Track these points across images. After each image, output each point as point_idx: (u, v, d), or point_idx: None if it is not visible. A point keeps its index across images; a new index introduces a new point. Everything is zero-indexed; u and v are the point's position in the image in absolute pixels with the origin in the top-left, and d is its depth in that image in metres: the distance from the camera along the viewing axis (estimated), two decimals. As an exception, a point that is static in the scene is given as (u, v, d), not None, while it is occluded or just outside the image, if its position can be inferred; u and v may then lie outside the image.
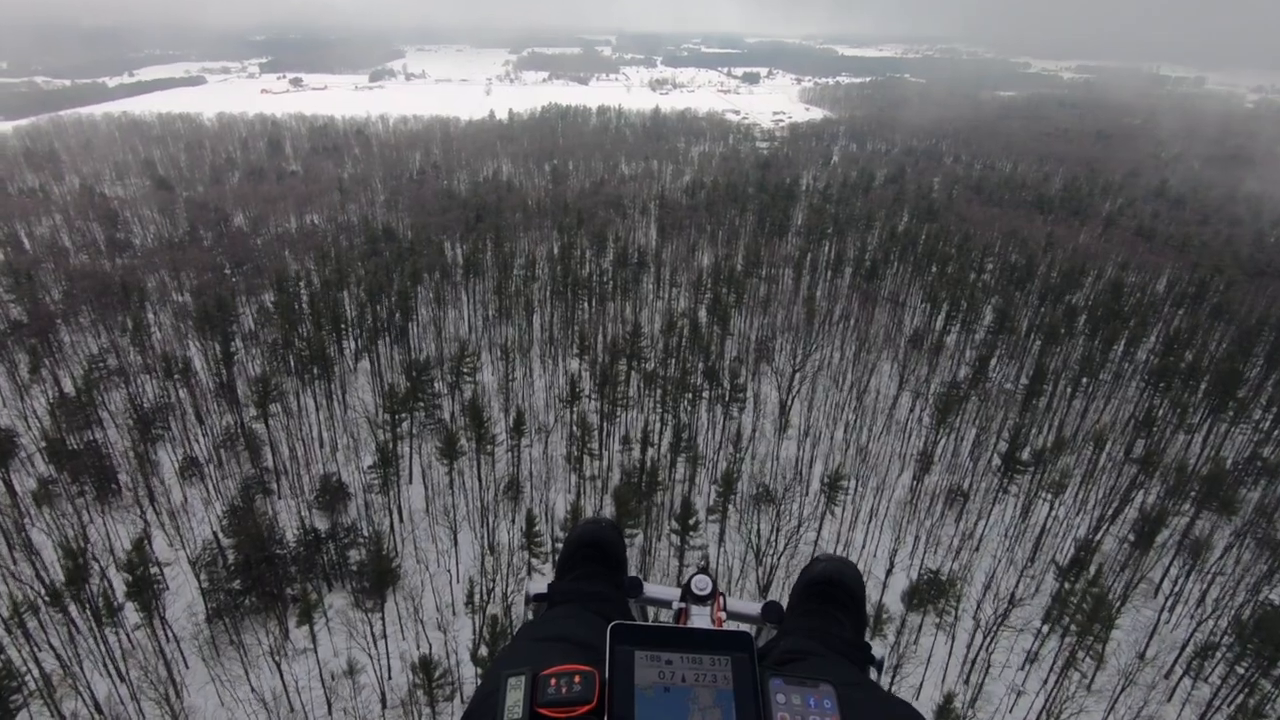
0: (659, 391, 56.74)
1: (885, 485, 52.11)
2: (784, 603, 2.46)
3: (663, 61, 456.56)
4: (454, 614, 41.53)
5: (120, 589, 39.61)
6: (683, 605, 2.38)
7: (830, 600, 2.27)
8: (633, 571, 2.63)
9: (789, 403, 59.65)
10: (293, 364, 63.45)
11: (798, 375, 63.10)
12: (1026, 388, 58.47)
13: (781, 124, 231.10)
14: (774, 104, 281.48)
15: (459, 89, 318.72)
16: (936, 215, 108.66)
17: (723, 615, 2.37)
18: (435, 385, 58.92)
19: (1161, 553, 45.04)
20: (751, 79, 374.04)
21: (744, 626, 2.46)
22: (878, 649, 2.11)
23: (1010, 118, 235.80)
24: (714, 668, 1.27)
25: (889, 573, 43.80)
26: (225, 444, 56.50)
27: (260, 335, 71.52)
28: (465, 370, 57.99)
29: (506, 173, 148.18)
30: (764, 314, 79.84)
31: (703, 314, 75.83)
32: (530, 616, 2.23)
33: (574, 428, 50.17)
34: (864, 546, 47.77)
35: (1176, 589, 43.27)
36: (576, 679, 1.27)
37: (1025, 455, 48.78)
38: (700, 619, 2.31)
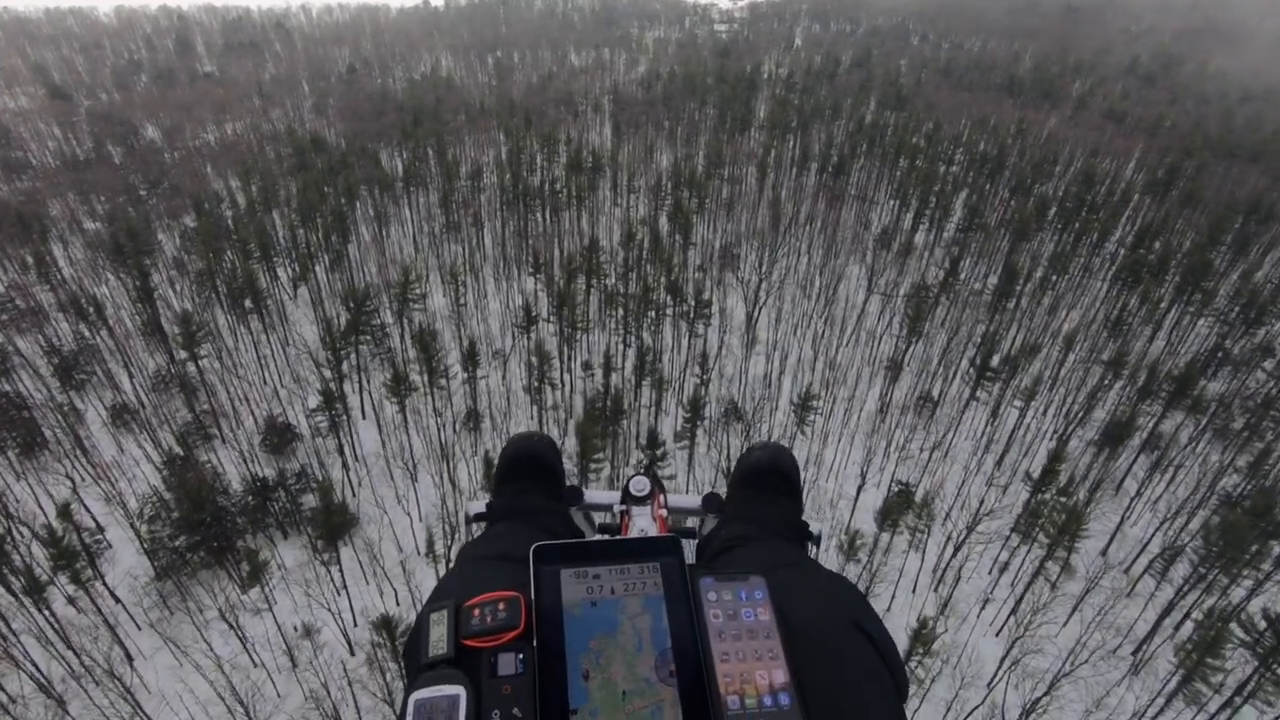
0: (620, 311, 53.76)
1: (855, 398, 51.01)
2: (723, 494, 2.46)
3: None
4: (420, 556, 40.06)
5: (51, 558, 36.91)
6: (623, 508, 2.44)
7: (767, 486, 2.30)
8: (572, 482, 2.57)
9: (756, 315, 57.34)
10: (223, 296, 58.49)
11: (764, 285, 60.52)
12: (996, 288, 56.90)
13: (741, 3, 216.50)
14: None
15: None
16: (904, 103, 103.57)
17: (663, 512, 2.43)
18: (380, 315, 54.96)
19: (1127, 450, 45.26)
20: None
21: (688, 520, 2.60)
22: (814, 526, 2.16)
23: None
24: (643, 575, 1.28)
25: (860, 489, 43.27)
26: (158, 388, 52.52)
27: (186, 265, 65.65)
28: (411, 297, 53.95)
29: (445, 68, 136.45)
30: (728, 218, 76.05)
31: (664, 222, 71.81)
32: (473, 536, 2.14)
33: (531, 357, 47.32)
34: (834, 462, 47.10)
35: (1140, 488, 43.71)
36: (501, 606, 1.27)
37: (995, 361, 47.67)
38: (641, 519, 2.38)
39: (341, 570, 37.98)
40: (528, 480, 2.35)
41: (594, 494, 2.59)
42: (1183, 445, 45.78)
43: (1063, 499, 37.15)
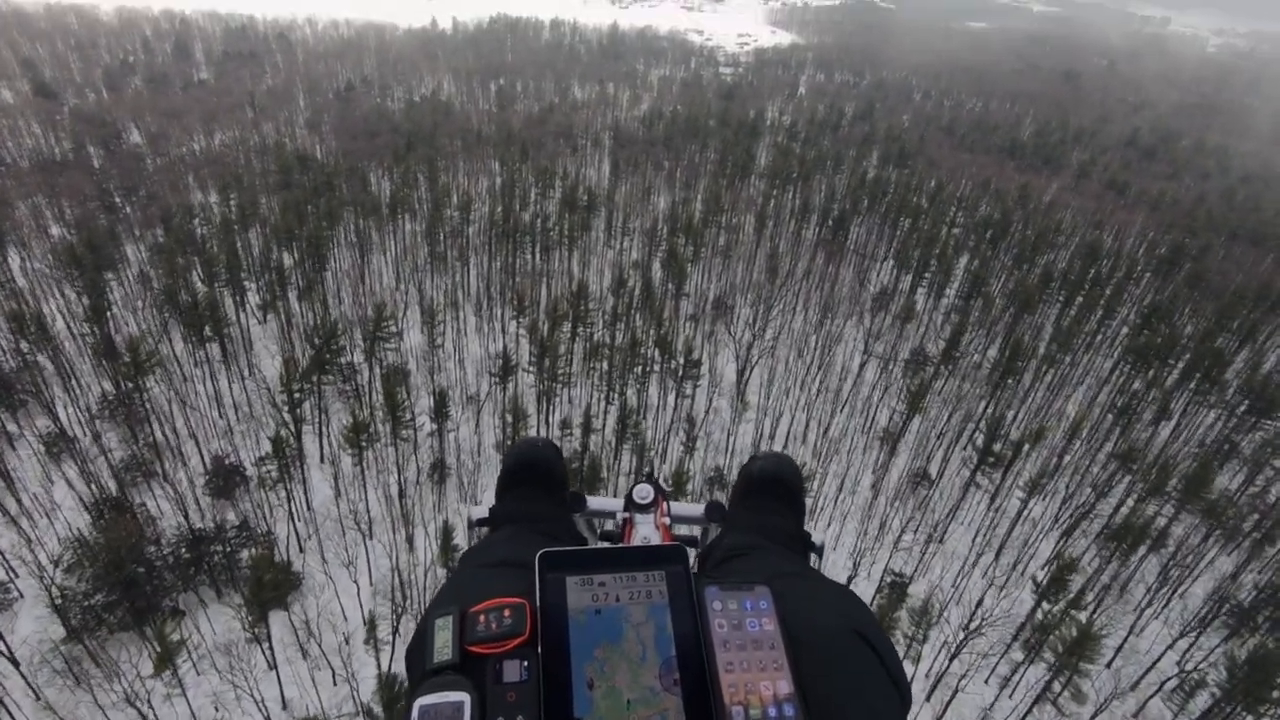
0: (605, 364, 50.64)
1: (850, 473, 47.93)
2: (726, 503, 2.48)
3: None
4: (363, 632, 36.09)
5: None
6: (627, 515, 2.47)
7: (770, 495, 2.31)
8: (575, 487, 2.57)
9: (747, 376, 54.43)
10: (181, 320, 54.80)
11: (757, 343, 57.75)
12: (998, 362, 54.41)
13: (747, 48, 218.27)
14: (740, 25, 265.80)
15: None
16: (907, 159, 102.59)
17: (666, 520, 2.47)
18: (350, 352, 51.50)
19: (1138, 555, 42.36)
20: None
21: (690, 529, 2.60)
22: (818, 536, 2.20)
23: (981, 50, 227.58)
24: (648, 583, 1.28)
25: (850, 579, 39.97)
26: (101, 416, 48.55)
27: (151, 281, 61.98)
28: (384, 335, 50.58)
29: (446, 92, 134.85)
30: (723, 267, 73.65)
31: (657, 268, 69.19)
32: (474, 542, 2.15)
33: (505, 415, 43.96)
34: (825, 545, 43.73)
35: (1148, 594, 40.71)
36: (506, 613, 1.28)
37: (999, 446, 44.86)
38: (645, 526, 2.42)
39: (272, 647, 33.93)
40: (531, 486, 2.31)
41: (598, 501, 2.57)
42: (1194, 546, 42.99)
43: (1073, 612, 34.01)
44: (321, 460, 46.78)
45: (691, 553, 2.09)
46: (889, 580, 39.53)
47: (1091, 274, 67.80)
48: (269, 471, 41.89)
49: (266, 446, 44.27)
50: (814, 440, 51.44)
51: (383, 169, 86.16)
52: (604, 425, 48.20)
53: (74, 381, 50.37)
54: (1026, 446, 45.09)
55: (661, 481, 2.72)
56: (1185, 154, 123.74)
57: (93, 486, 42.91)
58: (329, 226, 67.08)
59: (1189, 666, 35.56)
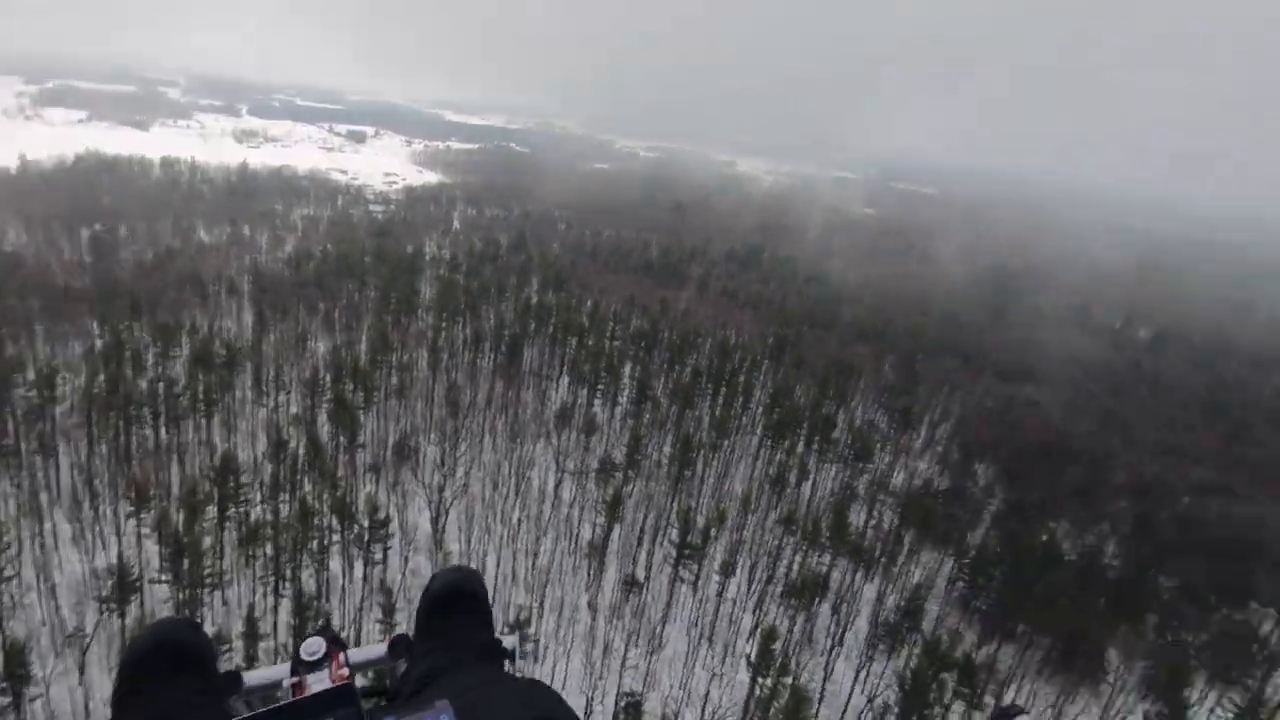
0: (269, 549, 42.57)
1: (566, 604, 46.75)
2: (412, 632, 2.37)
3: (249, 111, 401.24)
4: None
5: None
6: (295, 679, 2.15)
7: (455, 610, 2.26)
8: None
9: (443, 523, 50.77)
10: None
11: (450, 485, 54.67)
12: (676, 457, 59.68)
13: (395, 186, 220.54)
14: (384, 165, 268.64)
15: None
16: (563, 283, 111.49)
17: (344, 672, 2.19)
18: None
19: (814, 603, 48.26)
20: (358, 137, 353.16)
21: (374, 674, 2.23)
22: (508, 641, 2.15)
23: (608, 187, 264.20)
24: None
25: (588, 714, 38.03)
26: None
27: None
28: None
29: (13, 241, 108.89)
30: (401, 408, 69.48)
31: (324, 421, 62.26)
32: None
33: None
34: (554, 681, 41.28)
35: (830, 639, 46.37)
36: None
37: (691, 537, 48.27)
38: (319, 685, 2.09)
39: None
40: (164, 679, 1.94)
41: (258, 674, 2.26)
42: (850, 584, 50.70)
43: (783, 680, 36.77)
44: None
45: (371, 702, 1.89)
46: (623, 704, 38.61)
47: (729, 367, 79.82)
48: None
49: None
50: (524, 574, 49.46)
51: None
52: (275, 625, 39.85)
53: None
54: (713, 531, 49.26)
55: (337, 631, 2.37)
56: (767, 264, 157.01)
57: None
58: None
59: (875, 695, 40.75)
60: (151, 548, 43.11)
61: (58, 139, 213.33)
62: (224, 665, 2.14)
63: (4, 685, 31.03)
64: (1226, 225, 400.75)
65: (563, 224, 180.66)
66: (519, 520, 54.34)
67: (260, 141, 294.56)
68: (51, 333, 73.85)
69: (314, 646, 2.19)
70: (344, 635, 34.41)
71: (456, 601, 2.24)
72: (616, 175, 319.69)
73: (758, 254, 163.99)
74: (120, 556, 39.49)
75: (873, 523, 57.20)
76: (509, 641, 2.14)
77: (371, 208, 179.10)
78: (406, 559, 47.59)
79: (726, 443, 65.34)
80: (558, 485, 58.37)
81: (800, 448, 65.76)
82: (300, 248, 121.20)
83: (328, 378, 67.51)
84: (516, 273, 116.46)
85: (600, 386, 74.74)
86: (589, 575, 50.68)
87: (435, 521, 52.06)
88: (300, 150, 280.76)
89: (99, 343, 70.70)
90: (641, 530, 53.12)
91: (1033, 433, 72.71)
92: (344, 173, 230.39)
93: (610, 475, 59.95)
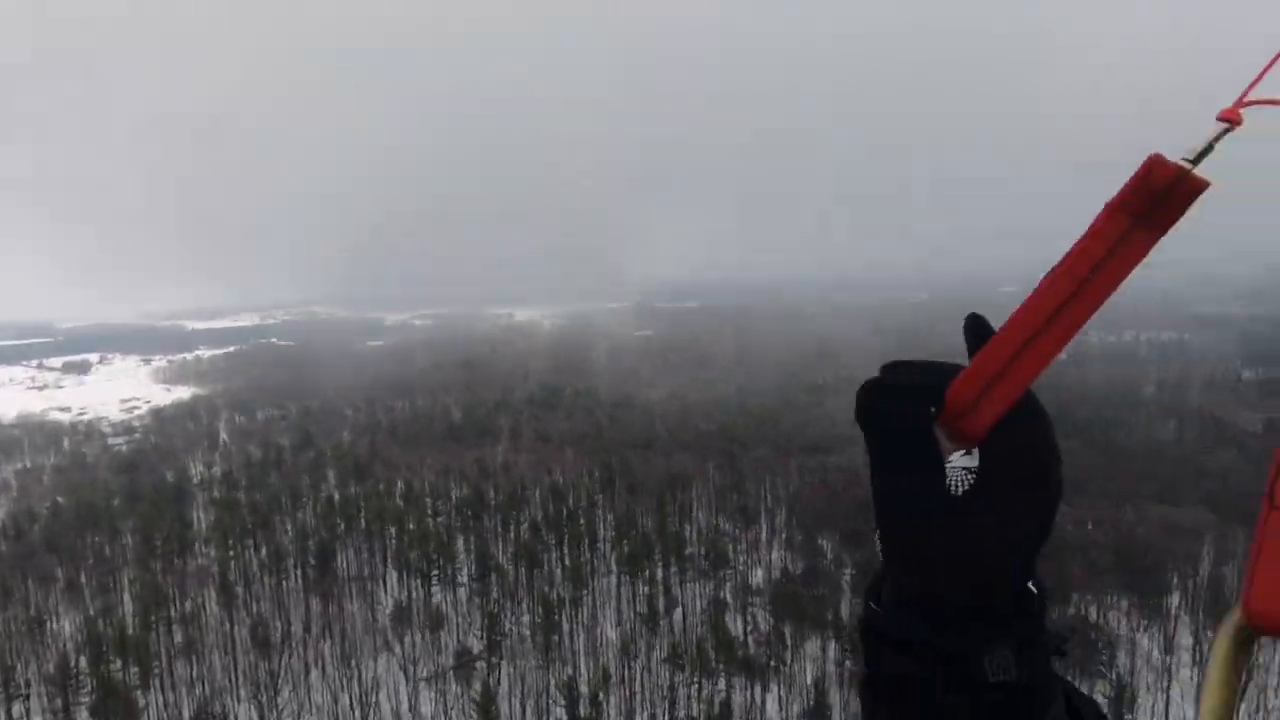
0: None
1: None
2: None
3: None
4: None
5: None
6: None
7: None
8: None
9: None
10: None
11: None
12: (538, 625, 55.25)
13: (138, 411, 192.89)
14: (120, 391, 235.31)
15: None
16: (365, 471, 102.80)
17: None
18: None
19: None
20: (80, 368, 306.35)
21: None
22: None
23: (388, 361, 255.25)
24: None
25: None
26: None
27: None
28: None
29: None
30: (193, 666, 56.85)
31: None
32: None
33: None
34: None
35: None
36: None
37: (581, 709, 43.99)
38: None
39: None
40: None
41: None
42: (758, 705, 49.12)
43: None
44: None
45: None
46: None
47: (564, 511, 77.48)
48: None
49: None
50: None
51: None
52: None
53: None
54: (601, 694, 45.40)
55: None
56: (569, 399, 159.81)
57: None
58: None
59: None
60: None
61: None
62: None
63: None
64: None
65: (349, 409, 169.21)
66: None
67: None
68: None
69: None
70: None
71: None
72: (395, 348, 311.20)
73: (558, 393, 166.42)
74: None
75: (750, 629, 56.86)
76: None
77: (111, 441, 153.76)
78: None
79: (585, 592, 62.18)
80: (415, 698, 50.61)
81: (658, 573, 64.64)
82: (17, 509, 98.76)
83: (83, 662, 53.52)
84: (309, 472, 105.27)
85: (435, 572, 68.06)
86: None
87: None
88: (6, 394, 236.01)
89: None
90: (523, 718, 47.40)
91: (855, 494, 79.10)
92: (66, 410, 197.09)
93: (471, 668, 53.55)
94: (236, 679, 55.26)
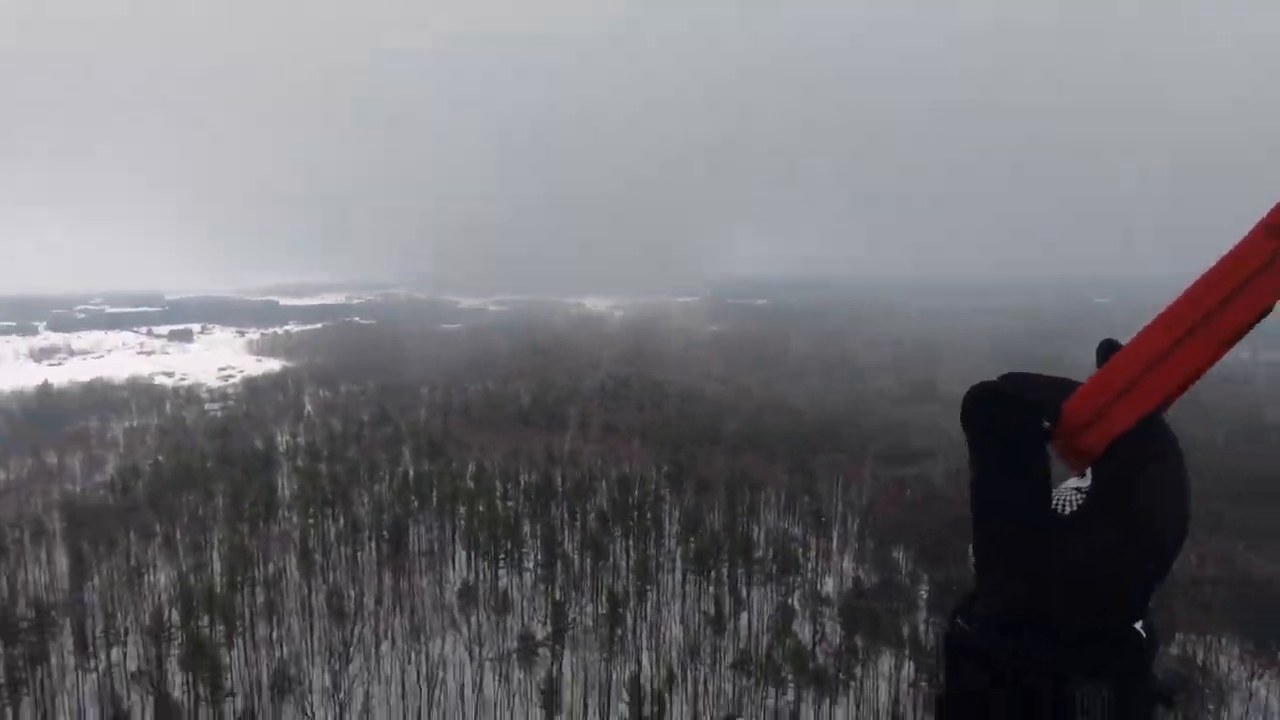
0: None
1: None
2: None
3: (48, 327, 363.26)
4: None
5: None
6: None
7: None
8: None
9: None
10: None
11: (348, 717, 45.90)
12: (603, 618, 54.73)
13: (232, 380, 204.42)
14: (218, 360, 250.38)
15: None
16: (439, 450, 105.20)
17: None
18: None
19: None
20: (183, 336, 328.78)
21: None
22: None
23: (462, 344, 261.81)
24: None
25: None
26: None
27: None
28: None
29: None
30: (273, 629, 59.31)
31: (173, 672, 51.17)
32: None
33: None
34: None
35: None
36: None
37: (646, 710, 43.14)
38: None
39: None
40: None
41: None
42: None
43: None
44: None
45: None
46: None
47: (631, 502, 76.85)
48: None
49: None
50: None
51: None
52: None
53: None
54: (667, 697, 44.45)
55: None
56: (638, 391, 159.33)
57: None
58: None
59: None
60: None
61: None
62: None
63: None
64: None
65: (425, 388, 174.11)
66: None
67: (64, 357, 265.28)
68: None
69: None
70: None
71: None
72: (469, 333, 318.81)
73: (627, 384, 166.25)
74: None
75: (819, 638, 54.69)
76: None
77: (208, 407, 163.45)
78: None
79: (650, 588, 61.32)
80: (479, 679, 51.03)
81: (725, 573, 63.10)
82: (124, 466, 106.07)
83: (175, 615, 56.54)
84: (386, 448, 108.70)
85: (502, 555, 68.68)
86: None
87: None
88: (115, 359, 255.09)
89: None
90: (585, 710, 46.99)
91: (934, 509, 75.27)
92: (170, 375, 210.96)
93: (534, 653, 53.58)
94: (312, 645, 57.23)
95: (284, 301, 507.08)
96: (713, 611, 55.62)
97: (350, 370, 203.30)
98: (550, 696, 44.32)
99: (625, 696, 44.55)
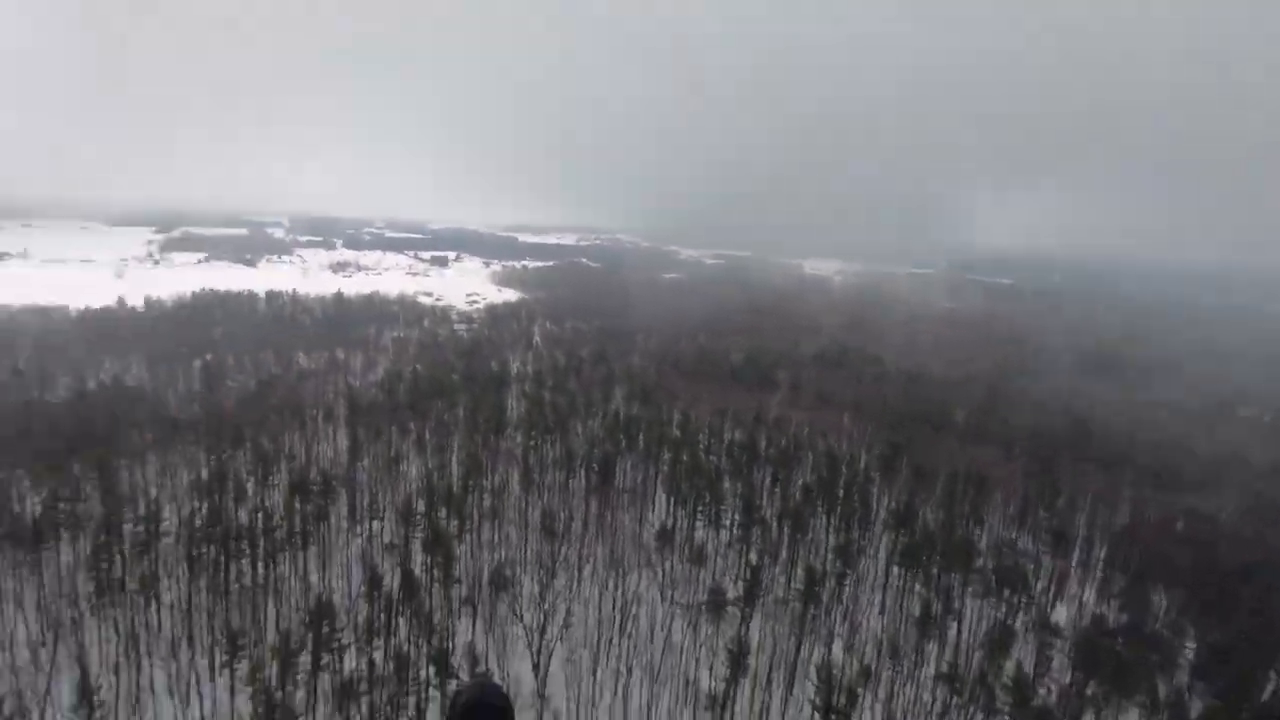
0: (364, 707, 38.45)
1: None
2: None
3: (344, 244, 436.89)
4: None
5: None
6: None
7: None
8: None
9: (545, 672, 45.62)
10: None
11: (550, 625, 49.76)
12: (797, 593, 52.99)
13: (477, 305, 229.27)
14: (467, 286, 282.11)
15: (79, 271, 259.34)
16: (649, 396, 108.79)
17: None
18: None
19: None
20: (441, 262, 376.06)
21: None
22: None
23: (680, 295, 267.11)
24: None
25: None
26: None
27: None
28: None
29: (135, 376, 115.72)
30: (494, 534, 66.16)
31: (417, 552, 59.24)
32: None
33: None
34: None
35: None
36: None
37: (836, 699, 41.13)
38: None
39: None
40: None
41: None
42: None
43: None
44: None
45: None
46: None
47: (839, 480, 73.14)
48: None
49: None
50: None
51: (36, 480, 66.10)
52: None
53: None
54: (860, 690, 42.04)
55: None
56: (856, 363, 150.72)
57: None
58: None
59: None
60: (244, 704, 39.73)
61: (180, 280, 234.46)
62: None
63: None
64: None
65: (640, 334, 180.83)
66: (629, 668, 48.46)
67: (353, 271, 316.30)
68: (163, 463, 75.40)
69: None
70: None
71: (482, 711, 2.35)
72: (688, 284, 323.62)
73: (845, 354, 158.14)
74: (207, 714, 36.16)
75: (1044, 672, 48.12)
76: None
77: (456, 327, 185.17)
78: None
79: (850, 573, 58.15)
80: (669, 623, 52.47)
81: (936, 574, 57.81)
82: (391, 370, 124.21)
83: (421, 504, 65.23)
84: (601, 386, 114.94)
85: (700, 508, 69.47)
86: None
87: (536, 669, 46.99)
88: (389, 277, 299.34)
89: (204, 472, 71.34)
90: (769, 681, 46.22)
91: (1213, 550, 62.09)
92: (429, 295, 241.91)
93: (722, 610, 53.78)
94: (526, 554, 62.84)
95: (524, 238, 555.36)
96: (919, 614, 51.25)
97: (576, 308, 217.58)
98: (737, 658, 44.08)
99: (813, 678, 42.88)
